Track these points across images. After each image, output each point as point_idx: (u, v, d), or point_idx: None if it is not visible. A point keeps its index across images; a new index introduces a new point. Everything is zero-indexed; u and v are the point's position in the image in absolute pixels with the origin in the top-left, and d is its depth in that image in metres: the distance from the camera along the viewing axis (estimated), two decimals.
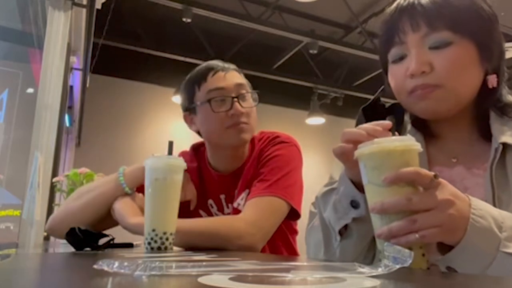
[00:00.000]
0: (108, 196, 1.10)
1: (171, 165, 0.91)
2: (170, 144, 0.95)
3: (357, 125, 0.79)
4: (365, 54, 5.43)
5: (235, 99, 1.17)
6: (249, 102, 1.22)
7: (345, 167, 0.72)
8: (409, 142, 0.60)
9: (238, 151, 1.23)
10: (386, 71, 0.86)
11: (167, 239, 0.89)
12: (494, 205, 0.68)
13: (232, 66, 1.25)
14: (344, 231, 0.76)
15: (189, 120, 1.27)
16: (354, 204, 0.72)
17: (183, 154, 1.32)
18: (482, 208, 0.60)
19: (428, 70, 0.74)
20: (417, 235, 0.56)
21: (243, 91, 1.20)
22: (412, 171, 0.57)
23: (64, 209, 1.16)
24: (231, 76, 1.21)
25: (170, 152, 0.95)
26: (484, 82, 0.78)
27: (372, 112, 0.79)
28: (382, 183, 0.58)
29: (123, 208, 1.06)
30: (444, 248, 0.61)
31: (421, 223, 0.56)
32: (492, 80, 0.76)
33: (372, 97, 0.85)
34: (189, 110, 1.25)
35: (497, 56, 0.78)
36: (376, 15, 5.17)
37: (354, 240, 0.75)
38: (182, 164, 0.94)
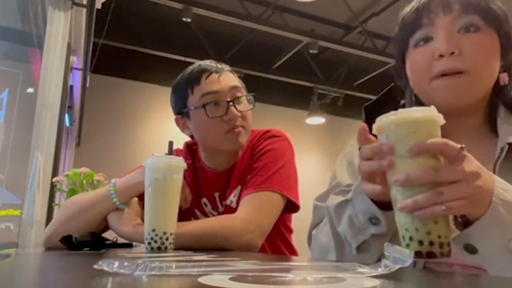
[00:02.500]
0: (102, 214, 1.08)
1: (171, 165, 0.91)
2: (170, 144, 0.95)
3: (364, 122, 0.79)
4: (365, 54, 5.43)
5: (231, 103, 1.14)
6: (245, 105, 1.18)
7: (361, 179, 0.66)
8: (434, 112, 0.58)
9: (233, 156, 1.21)
10: (403, 60, 0.84)
11: (167, 239, 0.88)
12: None
13: (226, 67, 1.21)
14: (361, 245, 0.73)
15: (181, 124, 1.23)
16: (374, 221, 0.69)
17: (176, 152, 1.29)
18: (504, 182, 0.60)
19: (457, 52, 0.73)
20: (443, 207, 0.54)
21: (239, 94, 1.17)
22: (441, 141, 0.56)
23: (58, 231, 1.07)
24: (226, 79, 1.17)
25: (170, 152, 0.95)
26: (497, 79, 0.78)
27: (375, 111, 0.79)
28: (408, 154, 0.55)
29: (118, 218, 1.06)
30: (460, 227, 0.61)
31: (448, 195, 0.55)
32: (504, 78, 0.77)
33: (374, 97, 0.85)
34: (181, 114, 1.21)
35: (510, 54, 0.80)
36: (376, 15, 5.17)
37: (372, 253, 0.72)
38: (182, 164, 0.93)
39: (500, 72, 0.78)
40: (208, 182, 1.24)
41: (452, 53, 0.73)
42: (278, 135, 1.22)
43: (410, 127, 0.57)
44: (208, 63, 1.20)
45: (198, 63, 1.21)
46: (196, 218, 1.23)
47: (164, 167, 0.90)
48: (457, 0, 0.75)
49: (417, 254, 0.54)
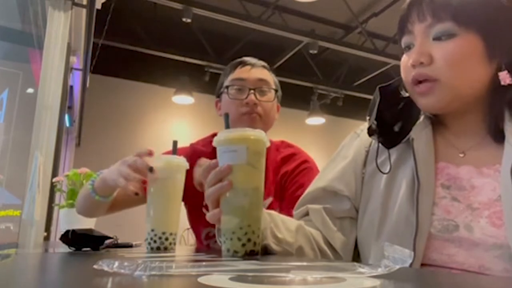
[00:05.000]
0: (89, 204, 1.16)
1: (173, 164, 0.91)
2: (175, 143, 0.95)
3: (373, 102, 0.82)
4: (365, 54, 5.43)
5: (252, 91, 1.26)
6: (268, 97, 1.29)
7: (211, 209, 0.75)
8: (263, 134, 0.72)
9: None
10: None
11: (166, 239, 0.88)
12: None
13: (262, 63, 1.36)
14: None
15: (218, 106, 1.36)
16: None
17: (199, 141, 1.39)
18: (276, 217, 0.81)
19: (426, 61, 0.74)
20: None
21: (264, 86, 1.29)
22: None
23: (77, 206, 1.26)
24: (256, 72, 1.31)
25: (174, 151, 0.94)
26: (498, 79, 0.74)
27: (389, 93, 0.82)
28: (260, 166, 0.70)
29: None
30: None
31: None
32: (504, 77, 0.73)
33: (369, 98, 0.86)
34: (218, 96, 1.36)
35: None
36: (376, 15, 5.17)
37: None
38: (183, 164, 0.93)
39: (500, 71, 0.73)
40: None
41: (422, 62, 0.74)
42: (313, 167, 1.34)
43: (264, 145, 0.72)
44: (250, 58, 1.35)
45: (242, 58, 1.35)
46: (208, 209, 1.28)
47: (165, 167, 0.90)
48: (431, 8, 0.74)
49: (251, 252, 0.69)
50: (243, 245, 0.69)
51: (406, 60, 0.79)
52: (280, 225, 0.80)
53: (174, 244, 0.90)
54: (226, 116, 0.81)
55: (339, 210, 0.86)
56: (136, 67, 5.83)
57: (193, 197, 1.20)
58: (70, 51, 2.91)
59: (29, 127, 2.18)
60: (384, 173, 0.81)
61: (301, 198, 0.91)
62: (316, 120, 6.49)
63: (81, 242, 0.89)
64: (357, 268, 0.42)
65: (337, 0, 5.05)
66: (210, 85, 5.69)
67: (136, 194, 0.91)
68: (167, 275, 0.39)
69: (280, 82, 1.42)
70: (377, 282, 0.36)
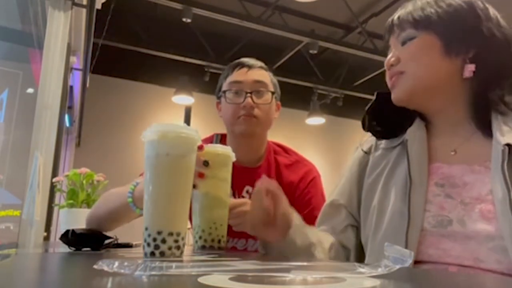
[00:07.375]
0: (121, 215, 1.00)
1: (182, 137, 0.67)
2: (187, 111, 0.94)
3: (370, 107, 0.92)
4: (365, 54, 5.43)
5: (249, 94, 1.27)
6: (265, 99, 1.30)
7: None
8: (229, 150, 0.92)
9: (250, 143, 1.31)
10: None
11: (163, 241, 0.64)
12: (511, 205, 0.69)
13: (260, 64, 1.36)
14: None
15: (218, 107, 1.38)
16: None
17: (204, 140, 1.38)
18: None
19: (395, 62, 0.87)
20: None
21: (261, 88, 1.29)
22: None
23: (91, 213, 1.09)
24: (253, 73, 1.31)
25: (187, 121, 0.91)
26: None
27: (386, 99, 0.89)
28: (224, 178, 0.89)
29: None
30: None
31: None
32: (467, 70, 0.81)
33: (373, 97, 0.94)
34: (218, 98, 1.38)
35: (479, 48, 0.81)
36: (376, 15, 5.17)
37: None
38: (196, 137, 0.69)
39: (466, 63, 0.81)
40: (237, 175, 1.29)
41: (392, 64, 0.87)
42: (317, 177, 1.39)
43: (229, 159, 0.91)
44: (247, 59, 1.35)
45: (241, 59, 1.36)
46: None
47: (167, 140, 0.67)
48: (397, 23, 0.88)
49: (203, 247, 0.86)
50: (196, 241, 0.84)
51: None
52: (318, 245, 0.88)
53: (178, 248, 0.66)
54: (217, 136, 0.95)
55: (339, 223, 0.94)
56: (136, 67, 5.82)
57: None
58: (70, 51, 2.91)
59: (29, 127, 2.18)
60: (366, 153, 0.94)
61: (318, 217, 1.00)
62: (316, 120, 6.49)
63: (81, 242, 0.88)
64: (357, 268, 0.42)
65: (337, 0, 5.04)
66: (210, 85, 5.68)
67: (194, 186, 0.78)
68: (167, 275, 0.39)
69: (280, 82, 1.43)
70: (377, 282, 0.36)
